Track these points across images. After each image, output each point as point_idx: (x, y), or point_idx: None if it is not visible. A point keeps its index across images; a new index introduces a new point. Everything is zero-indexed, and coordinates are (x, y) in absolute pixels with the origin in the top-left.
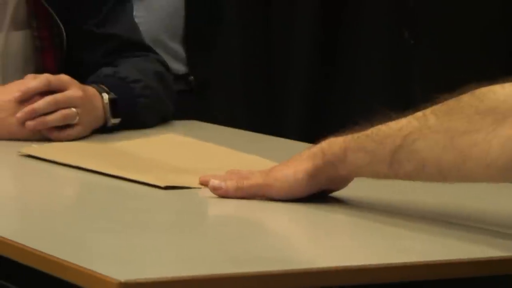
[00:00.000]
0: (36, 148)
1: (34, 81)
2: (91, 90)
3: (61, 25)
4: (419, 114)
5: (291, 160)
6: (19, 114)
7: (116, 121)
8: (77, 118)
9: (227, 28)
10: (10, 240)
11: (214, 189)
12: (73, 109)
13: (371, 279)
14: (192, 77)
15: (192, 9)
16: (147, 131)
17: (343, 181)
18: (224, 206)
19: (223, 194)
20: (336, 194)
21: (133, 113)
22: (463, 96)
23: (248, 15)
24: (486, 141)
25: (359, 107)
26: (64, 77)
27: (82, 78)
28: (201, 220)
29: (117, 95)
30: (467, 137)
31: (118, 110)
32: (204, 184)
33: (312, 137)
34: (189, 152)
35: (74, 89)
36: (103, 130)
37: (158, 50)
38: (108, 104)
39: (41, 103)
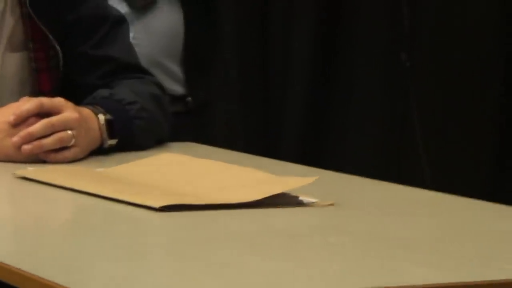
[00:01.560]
0: (31, 171)
1: (27, 103)
2: (86, 111)
3: (58, 47)
4: None
5: None
6: (15, 139)
7: (113, 142)
8: (73, 140)
9: (225, 50)
10: (2, 263)
11: None
12: (69, 132)
13: None
14: (189, 98)
15: (190, 31)
16: (143, 152)
17: None
18: (217, 229)
19: None
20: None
21: (129, 134)
22: None
23: (246, 37)
24: None
25: (356, 129)
26: (58, 100)
27: (78, 100)
28: (194, 244)
29: (113, 117)
30: None
31: (114, 131)
32: None
33: (310, 162)
34: (185, 169)
35: (69, 111)
36: (100, 151)
37: (156, 72)
38: (104, 125)
39: (37, 127)
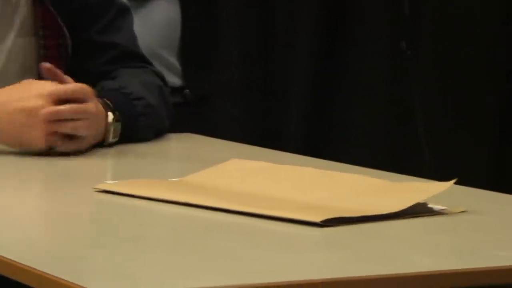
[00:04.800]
0: (112, 184)
1: (70, 85)
2: (100, 107)
3: (68, 34)
4: None
5: None
6: (44, 111)
7: (114, 140)
8: (86, 132)
9: (223, 41)
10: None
11: None
12: (83, 123)
13: None
14: (187, 90)
15: (188, 22)
16: (145, 146)
17: None
18: (223, 221)
19: None
20: None
21: (132, 131)
22: None
23: (245, 28)
24: None
25: (358, 118)
26: (88, 89)
27: None
28: (197, 235)
29: (119, 112)
30: None
31: (118, 130)
32: None
33: (311, 151)
34: (282, 178)
35: (91, 104)
36: (100, 145)
37: (154, 63)
38: (111, 124)
39: (66, 109)
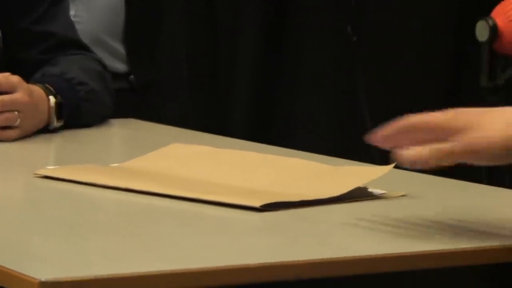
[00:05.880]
0: (52, 170)
1: None
2: (38, 92)
3: None
4: None
5: (496, 118)
6: None
7: (59, 124)
8: (18, 121)
9: (169, 26)
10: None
11: (412, 162)
12: (16, 113)
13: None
14: (132, 76)
15: (132, 7)
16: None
17: None
18: (162, 206)
19: (423, 165)
20: None
21: (76, 116)
22: None
23: (190, 12)
24: None
25: (305, 103)
26: (13, 79)
27: (21, 76)
28: (135, 221)
29: (62, 97)
30: None
31: (63, 113)
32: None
33: (258, 136)
34: (225, 162)
35: (21, 93)
36: (45, 131)
37: (98, 49)
38: (54, 107)
39: None
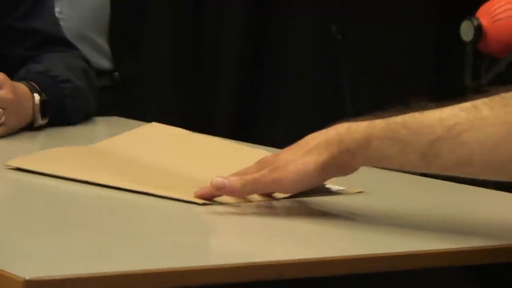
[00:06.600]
0: (23, 159)
1: None
2: (23, 89)
3: None
4: (465, 105)
5: (297, 148)
6: None
7: (44, 121)
8: (3, 118)
9: (153, 23)
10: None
11: (218, 189)
12: (0, 110)
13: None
14: (116, 73)
15: (117, 4)
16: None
17: (354, 170)
18: (149, 203)
19: (228, 193)
20: None
21: (61, 113)
22: None
23: (176, 11)
24: None
25: (289, 102)
26: None
27: (6, 72)
28: (119, 217)
29: (46, 94)
30: None
31: (47, 111)
32: (201, 196)
33: (241, 132)
34: (193, 149)
35: (5, 90)
36: (30, 128)
37: (82, 46)
38: (38, 105)
39: None
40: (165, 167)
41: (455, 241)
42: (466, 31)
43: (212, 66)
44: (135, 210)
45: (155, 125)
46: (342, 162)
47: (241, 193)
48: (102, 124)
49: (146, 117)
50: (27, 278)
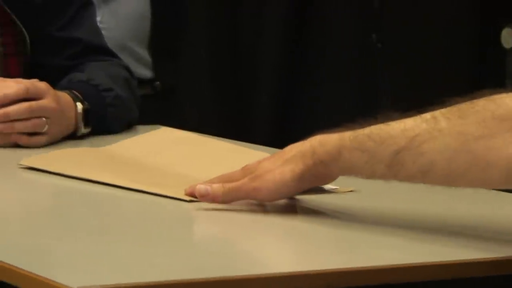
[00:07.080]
0: (36, 159)
1: (12, 89)
2: (65, 98)
3: (24, 31)
4: (426, 116)
5: (276, 158)
6: None
7: (86, 130)
8: (46, 127)
9: (193, 33)
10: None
11: (201, 196)
12: (44, 119)
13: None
14: (158, 82)
15: (158, 14)
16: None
17: (332, 179)
18: (189, 212)
19: (211, 201)
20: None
21: (103, 122)
22: (478, 100)
23: (215, 20)
24: (504, 146)
25: (327, 111)
26: (41, 85)
27: (48, 82)
28: (162, 226)
29: (89, 103)
30: (482, 142)
31: (89, 120)
32: (190, 194)
33: (281, 142)
34: (198, 151)
35: (49, 100)
36: (73, 137)
37: (123, 55)
38: (81, 114)
39: (15, 109)
40: (165, 168)
41: (445, 240)
42: (507, 38)
43: (250, 76)
44: (176, 218)
45: (165, 129)
46: (317, 173)
47: (223, 200)
48: (143, 132)
49: (187, 125)
50: (76, 287)
